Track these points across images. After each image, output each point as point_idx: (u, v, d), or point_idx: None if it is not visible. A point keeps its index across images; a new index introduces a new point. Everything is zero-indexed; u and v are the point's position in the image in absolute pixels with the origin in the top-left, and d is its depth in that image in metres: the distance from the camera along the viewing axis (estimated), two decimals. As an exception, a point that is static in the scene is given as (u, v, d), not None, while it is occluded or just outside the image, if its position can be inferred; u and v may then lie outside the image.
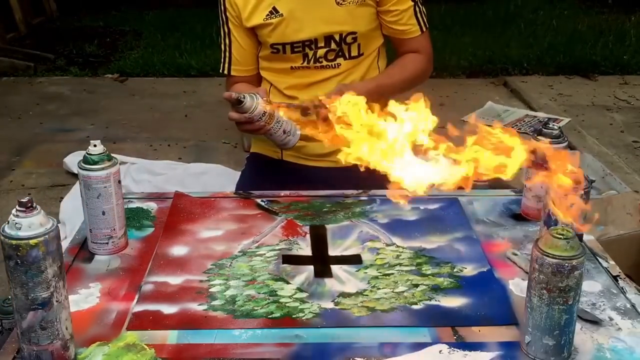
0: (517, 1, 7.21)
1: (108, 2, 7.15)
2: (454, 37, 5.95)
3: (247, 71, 1.89)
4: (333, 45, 1.79)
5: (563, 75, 5.39)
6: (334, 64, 1.82)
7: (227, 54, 1.88)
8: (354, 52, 1.81)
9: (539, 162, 1.45)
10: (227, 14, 1.83)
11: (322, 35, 1.77)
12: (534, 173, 1.45)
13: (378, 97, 1.76)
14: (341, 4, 1.75)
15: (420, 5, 1.83)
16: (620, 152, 3.88)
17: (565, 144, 1.45)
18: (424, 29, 1.85)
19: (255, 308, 1.20)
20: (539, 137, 1.44)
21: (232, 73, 1.89)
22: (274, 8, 1.76)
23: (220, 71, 1.91)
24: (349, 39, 1.79)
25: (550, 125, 1.44)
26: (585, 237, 1.37)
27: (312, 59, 1.81)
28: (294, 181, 1.78)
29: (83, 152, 1.33)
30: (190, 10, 6.84)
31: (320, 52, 1.80)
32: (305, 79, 1.83)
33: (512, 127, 4.30)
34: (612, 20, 6.63)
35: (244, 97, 1.53)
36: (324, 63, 1.81)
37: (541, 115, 4.48)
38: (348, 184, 1.69)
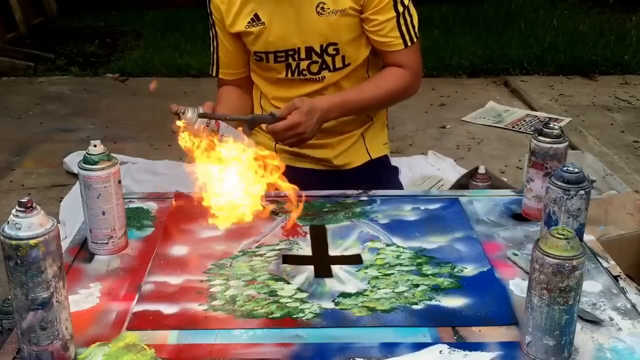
0: (518, 1, 7.21)
1: (108, 2, 7.15)
2: (455, 37, 5.95)
3: (235, 74, 1.86)
4: (315, 57, 1.74)
5: (563, 75, 5.39)
6: (318, 77, 1.76)
7: (215, 56, 1.85)
8: (339, 64, 1.75)
9: (539, 162, 1.45)
10: (213, 17, 1.79)
11: (304, 45, 1.73)
12: (534, 173, 1.46)
13: (343, 113, 1.72)
14: (321, 14, 1.69)
15: (407, 17, 1.72)
16: (620, 152, 3.88)
17: (566, 143, 1.45)
18: (409, 42, 1.73)
19: (256, 308, 1.20)
20: (539, 137, 1.44)
21: (220, 76, 1.87)
22: (255, 15, 1.71)
23: (210, 73, 1.90)
24: (330, 50, 1.73)
25: (551, 125, 1.44)
26: (586, 237, 1.37)
27: (296, 71, 1.76)
28: (289, 182, 1.77)
29: (83, 152, 1.33)
30: (190, 10, 6.84)
31: (303, 64, 1.75)
32: (291, 91, 1.78)
33: (512, 127, 4.31)
34: (613, 20, 6.63)
35: (183, 111, 1.50)
36: (308, 76, 1.76)
37: (542, 115, 4.49)
38: (344, 186, 1.68)
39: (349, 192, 1.64)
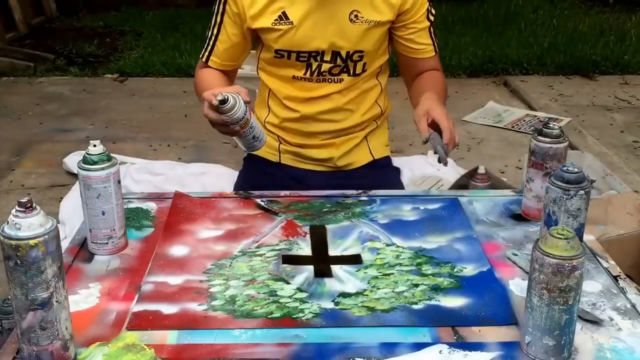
0: (518, 1, 7.22)
1: (107, 2, 7.15)
2: (455, 37, 5.95)
3: (224, 66, 1.80)
4: (339, 61, 1.74)
5: (563, 75, 5.39)
6: (337, 79, 1.77)
7: (211, 43, 1.78)
8: (359, 70, 1.77)
9: (538, 162, 1.45)
10: (227, 7, 1.72)
11: (330, 49, 1.71)
12: (534, 173, 1.46)
13: None
14: (354, 22, 1.68)
15: (434, 29, 1.79)
16: (620, 152, 3.88)
17: (566, 143, 1.45)
18: (436, 50, 1.81)
19: (255, 308, 1.20)
20: (539, 137, 1.44)
21: (210, 63, 1.80)
22: (283, 13, 1.67)
23: (200, 56, 1.81)
24: (355, 57, 1.74)
25: (551, 125, 1.44)
26: (586, 237, 1.37)
27: (316, 72, 1.75)
28: (292, 183, 1.77)
29: (83, 152, 1.33)
30: (190, 10, 6.85)
31: (325, 66, 1.74)
32: (307, 92, 1.78)
33: (512, 127, 4.31)
34: (612, 20, 6.64)
35: (227, 98, 1.43)
36: (327, 77, 1.76)
37: (541, 115, 4.49)
38: (347, 186, 1.69)
39: (349, 192, 1.64)
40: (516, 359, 1.07)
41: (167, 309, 1.20)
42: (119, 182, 1.35)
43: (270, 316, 1.18)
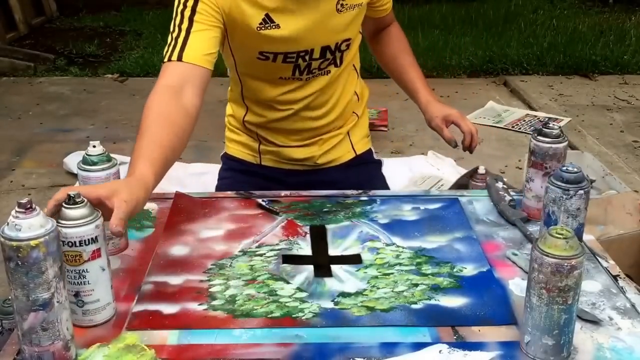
0: (518, 1, 7.23)
1: (108, 2, 7.16)
2: (455, 37, 5.96)
3: (210, 60, 1.49)
4: (328, 55, 1.66)
5: (563, 75, 5.40)
6: (325, 71, 1.69)
7: (181, 40, 1.47)
8: (346, 59, 1.70)
9: (538, 162, 1.45)
10: (198, 6, 1.48)
11: (320, 45, 1.61)
12: (534, 173, 1.46)
13: None
14: (341, 11, 1.59)
15: None
16: (620, 152, 3.88)
17: (566, 143, 1.45)
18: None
19: (255, 308, 1.20)
20: (539, 137, 1.44)
21: (187, 59, 1.45)
22: (267, 16, 1.54)
23: (167, 59, 1.48)
24: (343, 46, 1.67)
25: (551, 125, 1.45)
26: (585, 237, 1.37)
27: (305, 70, 1.64)
28: (272, 185, 1.73)
29: (83, 153, 1.33)
30: (190, 10, 6.85)
31: (315, 63, 1.63)
32: (295, 92, 1.69)
33: (512, 127, 4.31)
34: (612, 20, 6.65)
35: (80, 199, 1.07)
36: (317, 73, 1.68)
37: (541, 115, 4.49)
38: (327, 186, 1.68)
39: (349, 192, 1.64)
40: (516, 358, 1.07)
41: (167, 309, 1.20)
42: (119, 182, 1.35)
43: (270, 315, 1.18)
